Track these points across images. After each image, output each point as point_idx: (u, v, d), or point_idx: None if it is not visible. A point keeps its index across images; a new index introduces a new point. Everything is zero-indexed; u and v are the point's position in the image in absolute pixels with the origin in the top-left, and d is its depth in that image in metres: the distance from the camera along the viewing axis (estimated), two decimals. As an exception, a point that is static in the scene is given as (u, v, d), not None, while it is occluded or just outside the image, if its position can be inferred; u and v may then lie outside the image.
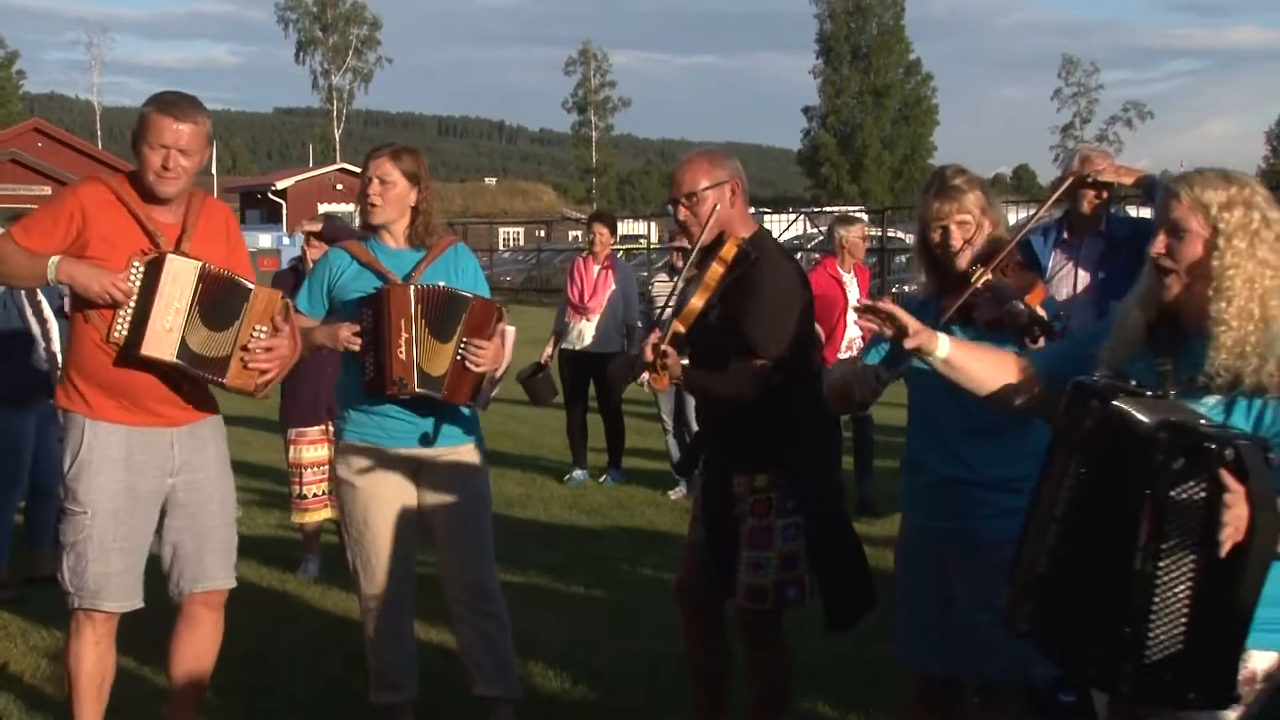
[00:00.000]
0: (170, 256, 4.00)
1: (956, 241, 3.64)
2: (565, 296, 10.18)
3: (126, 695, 4.46)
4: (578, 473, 10.07)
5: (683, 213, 4.13)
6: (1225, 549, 2.40)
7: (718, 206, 4.05)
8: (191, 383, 4.14)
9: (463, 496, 4.50)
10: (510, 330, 4.43)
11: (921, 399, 3.77)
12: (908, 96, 75.14)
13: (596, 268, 9.96)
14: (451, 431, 4.50)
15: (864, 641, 4.83)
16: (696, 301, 3.99)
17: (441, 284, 4.41)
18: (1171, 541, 2.44)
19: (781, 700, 4.25)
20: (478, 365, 4.34)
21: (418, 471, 4.49)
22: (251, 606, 6.34)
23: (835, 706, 4.91)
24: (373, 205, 4.44)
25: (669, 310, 4.11)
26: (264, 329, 4.10)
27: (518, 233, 54.97)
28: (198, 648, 4.33)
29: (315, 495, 7.09)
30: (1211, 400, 2.71)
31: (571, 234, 46.02)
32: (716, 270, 3.98)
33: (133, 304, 3.97)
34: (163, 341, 3.98)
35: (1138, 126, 73.78)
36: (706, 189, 4.08)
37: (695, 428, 8.83)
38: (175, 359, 4.00)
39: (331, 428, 6.99)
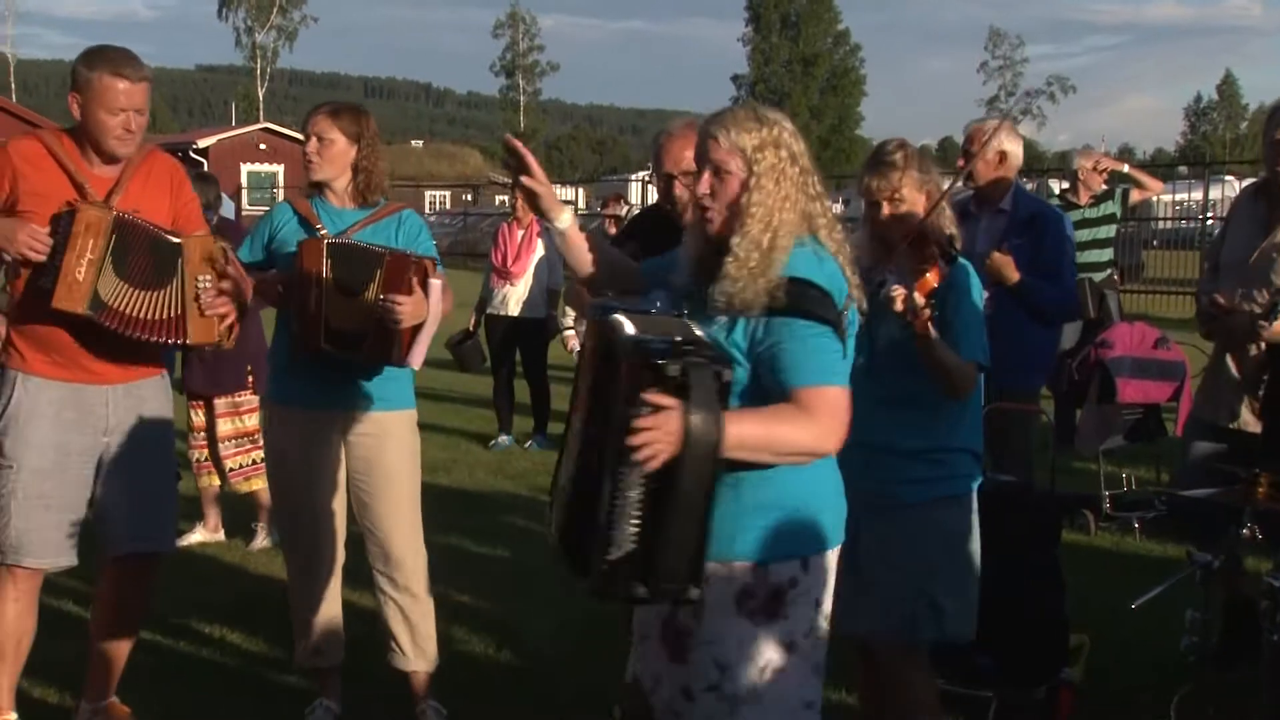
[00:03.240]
0: (82, 206, 3.92)
1: (887, 216, 3.69)
2: (490, 262, 10.16)
3: (45, 655, 4.41)
4: (503, 438, 10.05)
5: (681, 191, 4.00)
6: (646, 461, 2.59)
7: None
8: (133, 341, 4.04)
9: (387, 465, 4.45)
10: (437, 283, 4.31)
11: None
12: (836, 66, 75.41)
13: (520, 233, 9.93)
14: (379, 395, 4.44)
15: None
16: None
17: (352, 239, 4.33)
18: (627, 449, 2.63)
19: None
20: (397, 321, 4.21)
21: (345, 436, 4.44)
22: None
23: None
24: (310, 163, 4.41)
25: None
26: (207, 277, 4.04)
27: (444, 196, 54.57)
28: (124, 611, 4.29)
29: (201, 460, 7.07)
30: (720, 320, 2.89)
31: (499, 198, 45.75)
32: None
33: (56, 258, 3.89)
34: (73, 293, 3.88)
35: (1060, 100, 74.73)
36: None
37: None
38: (86, 310, 3.91)
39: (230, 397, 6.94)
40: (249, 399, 6.98)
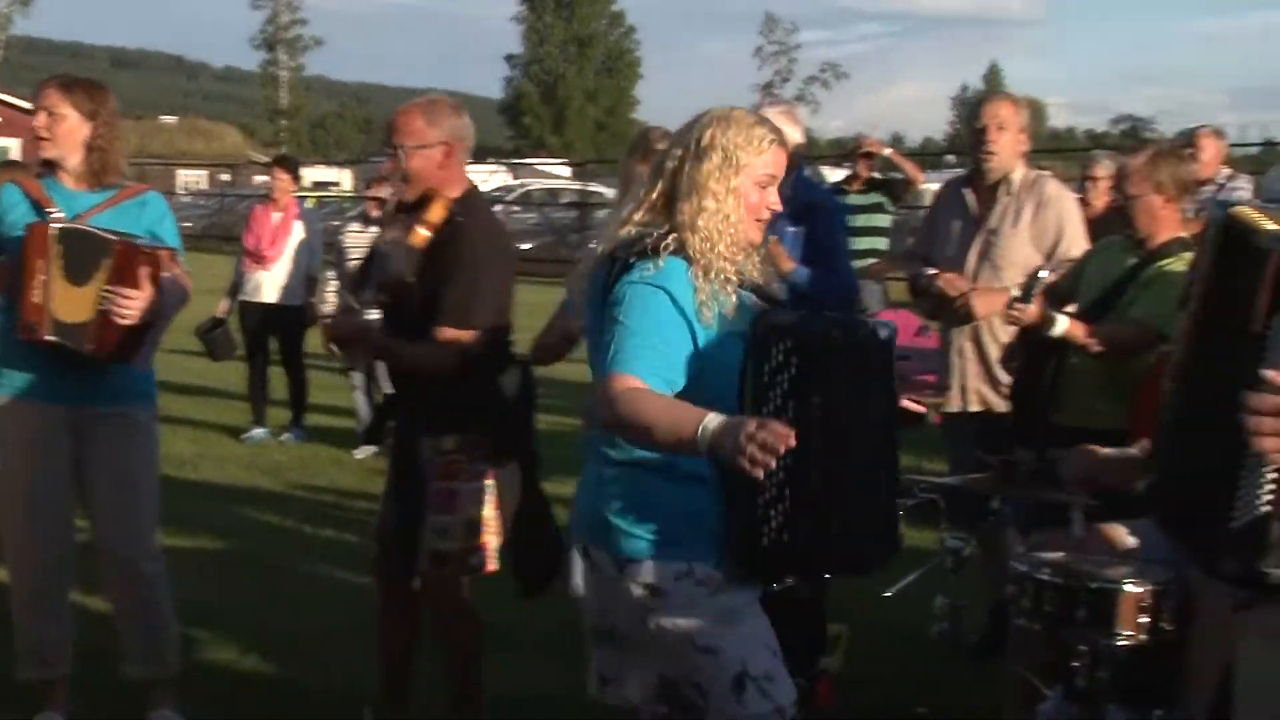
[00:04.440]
0: None
1: None
2: (243, 245, 9.92)
3: None
4: (257, 431, 9.84)
5: (388, 166, 4.13)
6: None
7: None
8: None
9: (124, 462, 4.33)
10: (170, 276, 4.20)
11: None
12: (611, 48, 75.93)
13: (276, 215, 9.73)
14: (117, 388, 4.30)
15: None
16: (406, 274, 3.99)
17: (83, 224, 4.18)
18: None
19: (474, 669, 4.25)
20: (122, 316, 4.08)
21: (78, 431, 4.29)
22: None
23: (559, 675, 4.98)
24: (40, 139, 4.27)
25: (371, 280, 4.11)
26: None
27: (201, 176, 52.98)
28: None
29: None
30: None
31: (259, 178, 44.63)
32: (420, 234, 3.96)
33: None
34: None
35: (834, 87, 76.63)
36: (416, 148, 4.04)
37: (385, 385, 8.75)
38: None
39: None
40: None
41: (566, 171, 41.91)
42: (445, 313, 3.95)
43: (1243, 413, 1.93)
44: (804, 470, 2.69)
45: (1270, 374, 1.93)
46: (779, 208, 3.01)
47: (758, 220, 2.93)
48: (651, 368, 2.76)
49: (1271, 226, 2.05)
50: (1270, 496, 1.97)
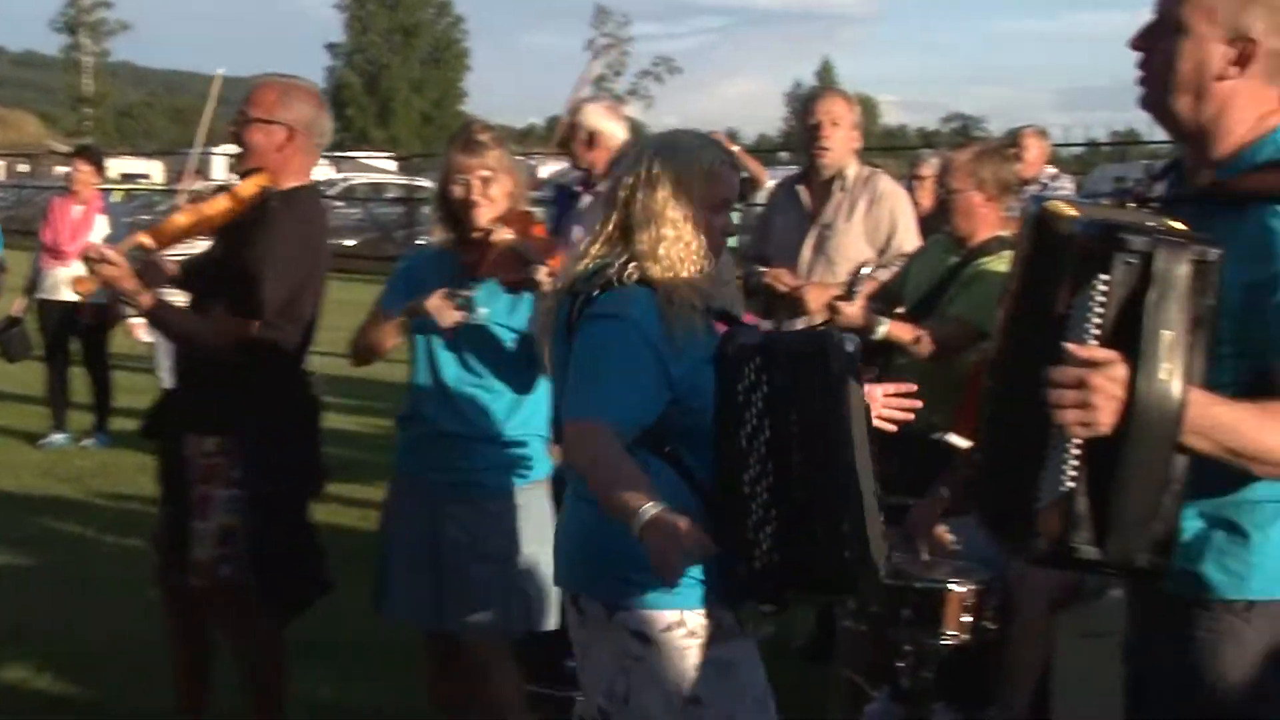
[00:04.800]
0: None
1: (478, 196, 3.76)
2: (40, 240, 9.65)
3: None
4: (56, 436, 9.54)
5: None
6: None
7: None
8: None
9: None
10: None
11: (426, 352, 3.84)
12: (438, 38, 75.41)
13: (77, 208, 9.46)
14: None
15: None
16: (178, 220, 3.91)
17: None
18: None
19: (270, 682, 4.14)
20: None
21: None
22: None
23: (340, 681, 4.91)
24: None
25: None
26: None
27: (-3, 166, 51.30)
28: None
29: None
30: None
31: (60, 169, 43.28)
32: (220, 203, 3.88)
33: None
34: None
35: (667, 81, 77.20)
36: (258, 120, 3.97)
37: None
38: None
39: None
40: None
41: (392, 165, 41.46)
42: (224, 296, 3.86)
43: (1045, 390, 1.99)
44: (787, 488, 2.68)
45: (1070, 347, 1.99)
46: (735, 230, 3.02)
47: (715, 243, 2.93)
48: (617, 409, 2.72)
49: (1074, 214, 2.11)
50: (1074, 472, 2.02)
